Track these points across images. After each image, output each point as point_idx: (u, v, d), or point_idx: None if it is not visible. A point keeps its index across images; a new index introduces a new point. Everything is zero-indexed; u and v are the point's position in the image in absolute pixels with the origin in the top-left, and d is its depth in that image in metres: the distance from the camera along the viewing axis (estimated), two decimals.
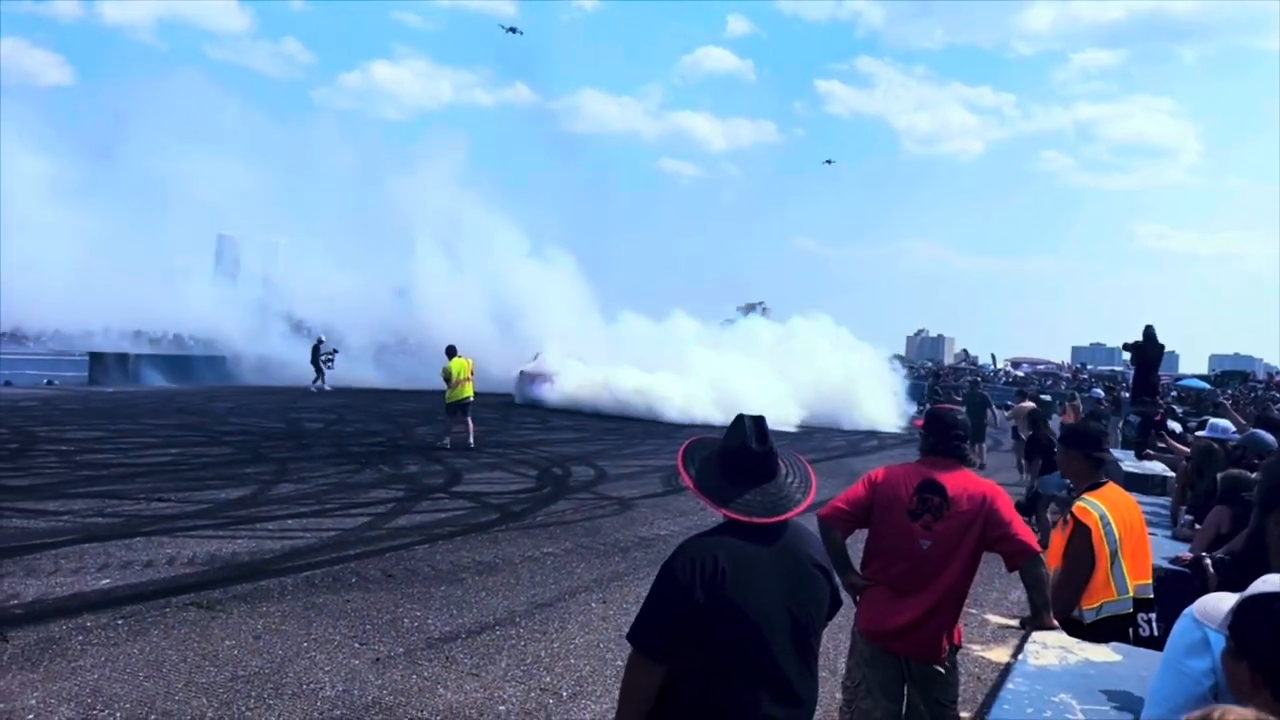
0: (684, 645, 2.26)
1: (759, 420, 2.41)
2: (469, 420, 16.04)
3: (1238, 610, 1.72)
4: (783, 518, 2.32)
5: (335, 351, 29.48)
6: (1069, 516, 3.77)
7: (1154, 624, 3.78)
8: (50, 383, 25.52)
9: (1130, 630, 3.66)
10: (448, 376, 16.07)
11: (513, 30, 51.39)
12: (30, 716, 4.50)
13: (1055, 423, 11.84)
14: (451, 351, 16.51)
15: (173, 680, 5.06)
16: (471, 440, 15.80)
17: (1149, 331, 16.26)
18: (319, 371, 28.47)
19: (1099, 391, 24.59)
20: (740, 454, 2.37)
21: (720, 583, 2.23)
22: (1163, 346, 16.45)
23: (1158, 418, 12.50)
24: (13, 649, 5.37)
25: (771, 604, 2.28)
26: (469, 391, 16.21)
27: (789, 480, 2.40)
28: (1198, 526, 5.82)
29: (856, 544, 3.76)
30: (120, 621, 5.98)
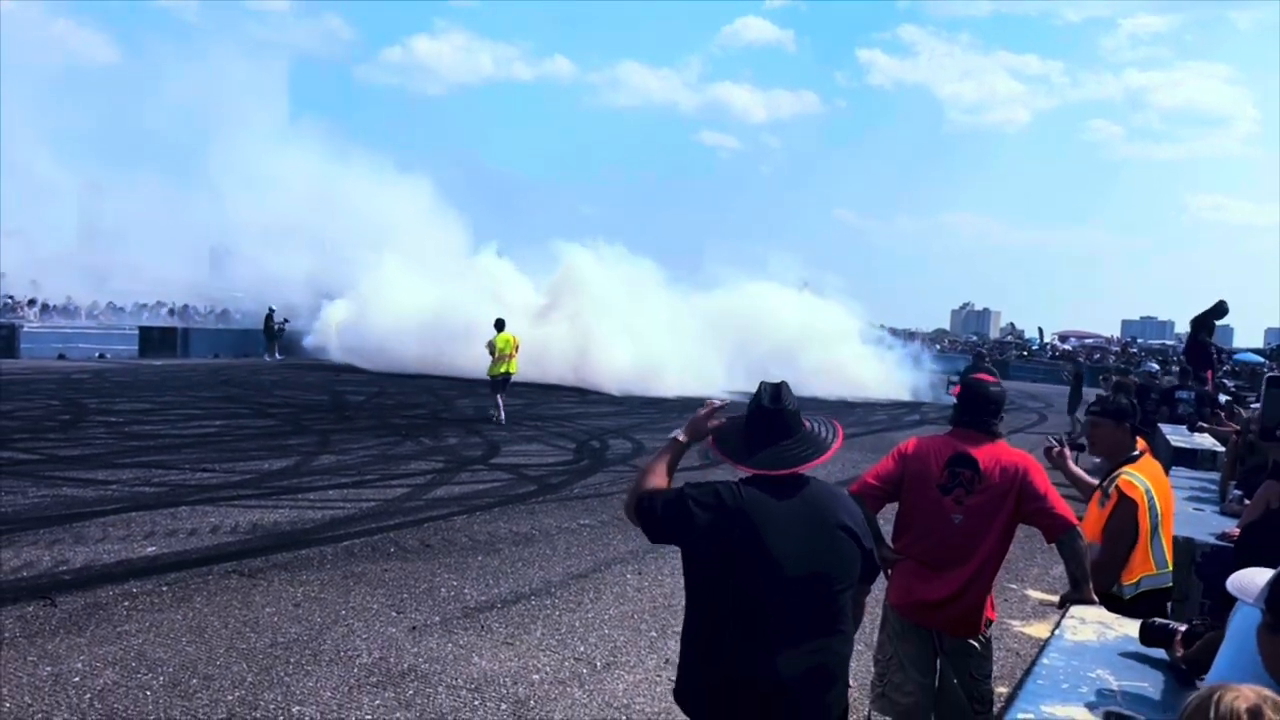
0: (693, 570, 2.42)
1: (777, 385, 2.58)
2: (499, 397, 15.85)
3: (1277, 582, 1.64)
4: (789, 470, 2.43)
5: (286, 321, 29.77)
6: (1114, 490, 3.66)
7: None
8: (102, 356, 26.11)
9: (1168, 604, 3.57)
10: (491, 349, 15.96)
11: None
12: (76, 679, 4.62)
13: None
14: (500, 325, 16.10)
15: (214, 645, 5.16)
16: (502, 416, 15.60)
17: (1218, 305, 15.12)
18: (270, 340, 28.85)
19: (1153, 365, 24.01)
20: (756, 414, 2.53)
21: (738, 521, 2.33)
22: (1217, 318, 15.23)
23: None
24: (60, 614, 5.51)
25: (791, 558, 2.32)
26: (511, 367, 16.09)
27: (807, 437, 2.51)
28: (1247, 502, 5.67)
29: (888, 516, 3.70)
30: (164, 588, 6.11)
